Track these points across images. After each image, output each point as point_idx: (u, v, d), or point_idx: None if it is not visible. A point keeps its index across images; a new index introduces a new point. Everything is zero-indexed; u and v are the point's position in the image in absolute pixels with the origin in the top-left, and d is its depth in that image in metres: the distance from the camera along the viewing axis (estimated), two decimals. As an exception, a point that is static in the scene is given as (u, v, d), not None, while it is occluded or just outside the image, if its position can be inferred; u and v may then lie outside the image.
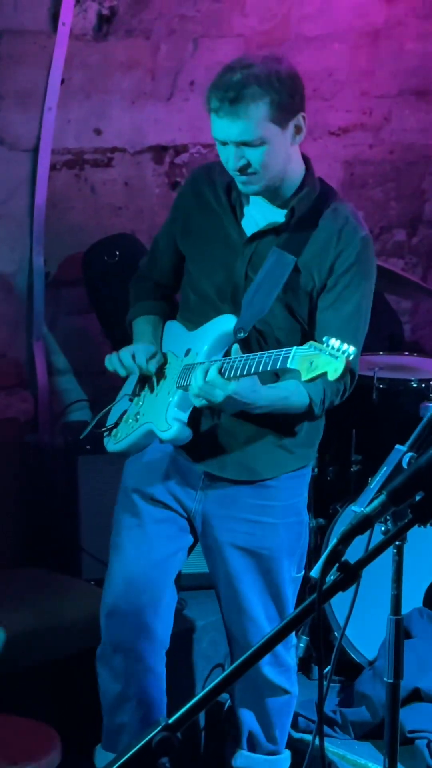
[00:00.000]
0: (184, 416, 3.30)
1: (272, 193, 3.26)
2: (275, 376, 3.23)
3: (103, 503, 4.36)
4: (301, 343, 3.02)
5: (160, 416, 3.34)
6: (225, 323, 3.28)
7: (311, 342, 2.91)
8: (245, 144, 3.13)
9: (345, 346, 2.81)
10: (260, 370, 3.03)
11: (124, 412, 3.51)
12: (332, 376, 2.82)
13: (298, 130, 3.19)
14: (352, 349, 2.80)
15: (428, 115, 5.68)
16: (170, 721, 1.89)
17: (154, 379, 3.42)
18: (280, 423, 3.32)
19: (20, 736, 3.29)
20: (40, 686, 3.91)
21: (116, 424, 3.51)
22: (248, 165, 3.16)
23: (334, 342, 2.83)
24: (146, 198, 4.87)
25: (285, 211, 3.26)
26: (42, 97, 4.49)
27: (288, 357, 2.93)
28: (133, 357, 3.38)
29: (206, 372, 3.08)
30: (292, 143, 3.20)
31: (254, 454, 3.35)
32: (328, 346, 2.84)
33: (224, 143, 3.16)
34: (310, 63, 5.18)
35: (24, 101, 4.48)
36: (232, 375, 3.08)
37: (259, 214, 3.30)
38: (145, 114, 4.82)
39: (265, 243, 3.27)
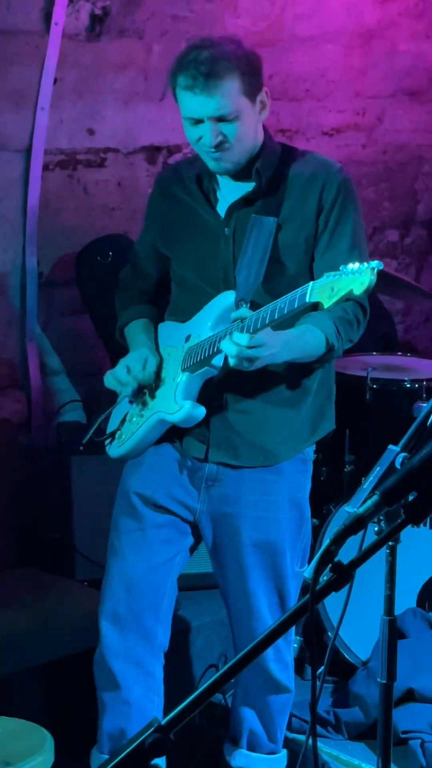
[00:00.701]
0: (194, 394, 3.30)
1: (241, 169, 3.28)
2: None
3: (97, 504, 4.36)
4: None
5: (169, 401, 3.33)
6: (223, 299, 3.28)
7: (327, 272, 2.90)
8: (221, 119, 3.18)
9: (366, 263, 2.81)
10: (278, 317, 3.01)
11: (126, 414, 3.50)
12: (359, 290, 2.81)
13: (263, 105, 3.26)
14: (375, 262, 2.80)
15: (421, 115, 5.69)
16: (163, 722, 1.88)
17: (155, 378, 3.41)
18: (289, 400, 3.33)
19: (13, 737, 3.28)
20: (33, 687, 3.91)
21: (118, 428, 3.50)
22: (224, 140, 3.20)
23: (353, 265, 2.83)
24: (139, 198, 4.86)
25: (253, 180, 3.29)
26: (35, 97, 4.49)
27: (306, 292, 2.93)
28: (128, 370, 3.39)
29: (234, 339, 3.04)
30: (259, 119, 3.26)
31: (266, 433, 3.35)
32: (346, 269, 2.84)
33: (199, 121, 3.20)
34: (303, 63, 5.19)
35: (17, 101, 4.48)
36: (252, 331, 3.06)
37: (230, 193, 3.33)
38: (138, 114, 4.82)
39: (243, 217, 3.29)
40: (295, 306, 2.98)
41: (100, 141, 4.76)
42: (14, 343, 4.69)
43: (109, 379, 3.44)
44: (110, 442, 3.52)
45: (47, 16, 4.42)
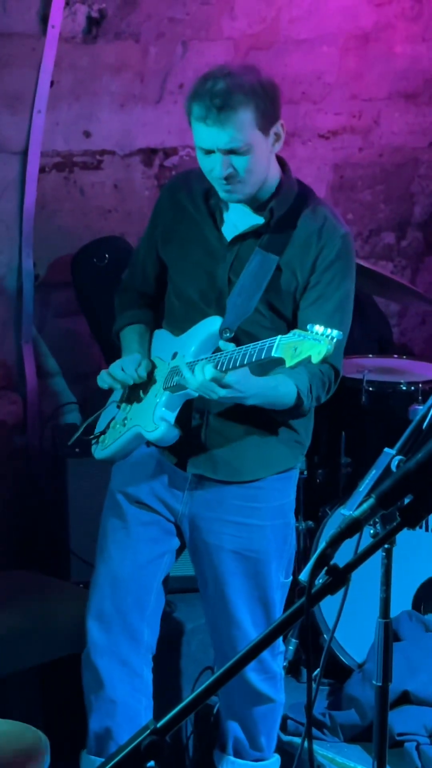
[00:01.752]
0: (172, 416, 3.32)
1: (252, 199, 3.27)
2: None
3: (92, 506, 4.35)
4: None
5: (147, 418, 3.35)
6: (211, 325, 3.30)
7: (295, 330, 2.95)
8: (232, 151, 3.15)
9: (329, 330, 2.87)
10: (246, 362, 3.05)
11: (112, 419, 3.51)
12: (316, 359, 2.87)
13: (277, 137, 3.23)
14: (335, 332, 2.86)
15: (417, 117, 5.69)
16: (158, 725, 1.88)
17: (143, 385, 3.42)
18: (270, 422, 3.33)
19: (8, 738, 3.28)
20: (29, 689, 3.91)
21: (103, 432, 3.51)
22: (234, 173, 3.17)
23: (318, 328, 2.88)
24: (135, 201, 4.87)
25: (264, 215, 3.28)
26: (31, 100, 4.48)
27: (273, 346, 2.96)
28: (122, 369, 3.39)
29: (203, 369, 3.09)
30: (272, 150, 3.24)
31: (244, 455, 3.35)
32: (312, 332, 2.89)
33: (210, 151, 3.17)
34: (299, 66, 5.19)
35: (13, 103, 4.48)
36: (223, 369, 3.10)
37: (239, 219, 3.32)
38: (135, 116, 4.82)
39: (246, 246, 3.29)
40: (262, 357, 3.00)
41: (96, 143, 4.76)
42: (10, 344, 4.69)
43: (103, 377, 3.44)
44: (95, 443, 3.53)
45: (44, 19, 4.42)
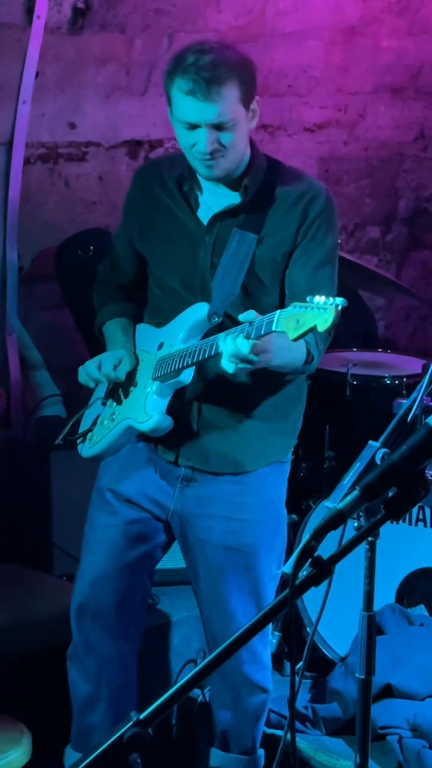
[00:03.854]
0: (163, 405, 3.30)
1: (227, 177, 3.27)
2: None
3: (76, 499, 4.35)
4: None
5: (138, 409, 3.33)
6: (197, 311, 3.28)
7: (294, 303, 2.89)
8: (218, 126, 3.14)
9: (331, 298, 2.80)
10: (255, 336, 2.99)
11: (98, 416, 3.49)
12: (322, 327, 2.80)
13: (254, 113, 3.23)
14: (339, 299, 2.80)
15: (403, 112, 5.69)
16: (141, 716, 1.88)
17: (129, 380, 3.40)
18: (262, 413, 3.33)
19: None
20: (11, 682, 3.90)
21: (90, 429, 3.49)
22: (219, 147, 3.17)
23: (319, 298, 2.82)
24: (120, 193, 4.81)
25: (239, 193, 3.27)
26: (16, 91, 4.47)
27: (272, 321, 2.91)
28: (99, 366, 3.37)
29: (239, 344, 3.00)
30: (249, 127, 3.24)
31: (237, 446, 3.35)
32: (312, 302, 2.83)
33: (195, 126, 3.15)
34: (285, 59, 5.18)
35: (-2, 94, 4.47)
36: (255, 336, 3.03)
37: (214, 201, 3.30)
38: (120, 108, 4.81)
39: (225, 227, 3.28)
40: (262, 332, 2.96)
41: (81, 135, 4.74)
42: (-6, 337, 4.68)
43: (82, 374, 3.43)
44: (81, 442, 3.51)
45: (29, 9, 4.40)
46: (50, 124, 4.65)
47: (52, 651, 3.78)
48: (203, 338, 3.24)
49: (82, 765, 1.81)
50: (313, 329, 2.82)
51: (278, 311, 2.91)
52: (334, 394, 4.33)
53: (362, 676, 2.42)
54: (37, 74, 4.50)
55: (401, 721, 3.79)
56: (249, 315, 3.01)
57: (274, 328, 2.91)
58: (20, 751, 3.19)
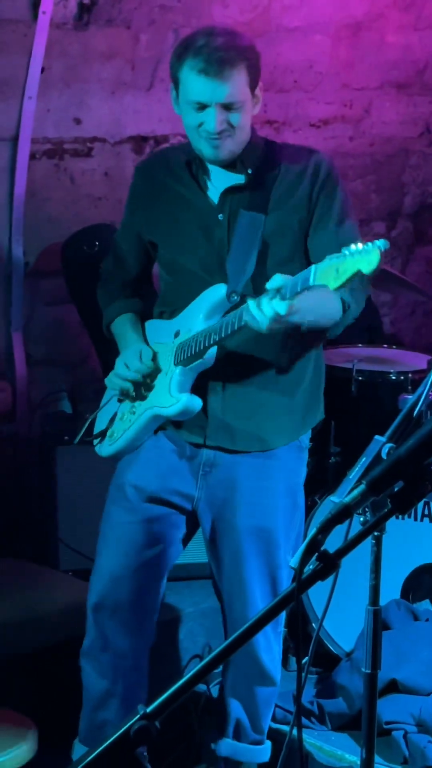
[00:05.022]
0: (188, 388, 3.30)
1: (231, 159, 3.30)
2: None
3: (81, 494, 4.36)
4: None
5: (163, 395, 3.33)
6: (214, 292, 3.28)
7: (329, 255, 2.83)
8: (228, 106, 3.19)
9: (371, 243, 2.75)
10: (290, 295, 2.96)
11: (114, 414, 3.49)
12: (368, 269, 2.74)
13: (257, 99, 3.28)
14: (380, 241, 2.74)
15: (408, 107, 5.69)
16: (148, 709, 1.88)
17: (148, 373, 3.40)
18: (284, 387, 3.35)
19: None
20: (17, 677, 3.91)
21: (107, 429, 3.49)
22: (227, 127, 3.21)
23: (355, 245, 2.76)
24: (126, 188, 4.79)
25: (241, 172, 3.31)
26: (22, 86, 4.47)
27: (308, 276, 2.87)
28: (127, 366, 3.38)
29: (274, 306, 2.98)
30: (253, 111, 3.28)
31: (261, 422, 3.36)
32: (349, 250, 2.77)
33: (204, 106, 3.19)
34: (290, 54, 5.18)
35: (3, 90, 4.46)
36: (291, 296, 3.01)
37: (221, 182, 3.33)
38: (125, 104, 4.81)
39: (236, 205, 3.31)
40: (298, 290, 2.93)
41: (87, 130, 4.75)
42: (-1, 332, 4.68)
43: (112, 380, 3.44)
44: (99, 442, 3.50)
45: (35, 5, 4.41)
46: (56, 119, 4.65)
47: (57, 646, 3.79)
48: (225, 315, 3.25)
49: (90, 757, 1.82)
50: (356, 274, 2.75)
51: (313, 266, 2.88)
52: (340, 390, 4.33)
53: (368, 671, 2.42)
54: (42, 70, 4.50)
55: (407, 716, 3.79)
56: (276, 280, 2.98)
57: (312, 283, 2.86)
58: (26, 746, 3.19)
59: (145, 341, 3.47)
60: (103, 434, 3.50)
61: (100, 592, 3.44)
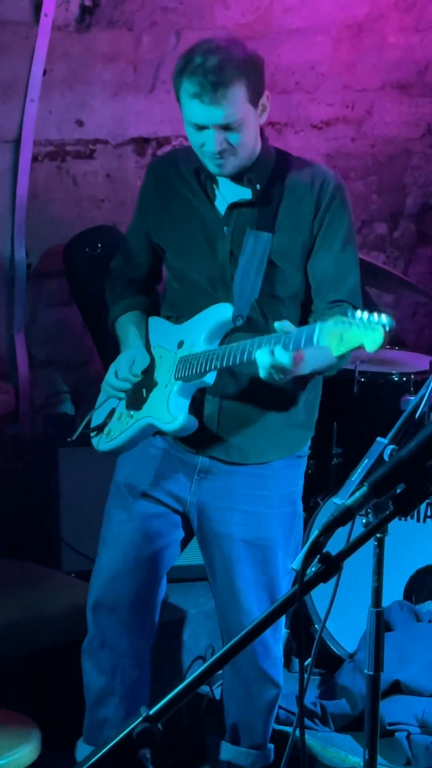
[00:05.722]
0: (186, 405, 3.30)
1: (238, 172, 3.28)
2: None
3: (84, 495, 4.36)
4: (302, 308, 3.19)
5: (161, 409, 3.33)
6: (220, 312, 3.28)
7: (336, 317, 2.81)
8: (226, 127, 3.15)
9: (376, 315, 2.72)
10: (293, 348, 2.96)
11: (113, 410, 3.49)
12: (371, 347, 2.72)
13: (263, 108, 3.24)
14: (385, 318, 2.71)
15: (410, 108, 5.69)
16: (151, 712, 1.88)
17: (147, 377, 3.40)
18: (281, 404, 3.34)
19: (-1, 727, 3.28)
20: (20, 678, 3.91)
21: (105, 423, 3.50)
22: (228, 147, 3.18)
23: (361, 313, 2.73)
24: (128, 190, 4.86)
25: (249, 187, 3.29)
26: (24, 88, 4.47)
27: (312, 334, 2.85)
28: (116, 375, 3.38)
29: (279, 355, 2.98)
30: (259, 122, 3.25)
31: (257, 437, 3.35)
32: (355, 318, 2.74)
33: (203, 127, 3.17)
34: (292, 56, 5.18)
35: (6, 92, 4.47)
36: (293, 348, 3.01)
37: (230, 194, 3.32)
38: (127, 106, 4.81)
39: (242, 219, 3.29)
40: (302, 345, 2.92)
41: (89, 132, 4.75)
42: (2, 334, 4.68)
43: (106, 389, 3.44)
44: (96, 435, 3.52)
45: (37, 7, 4.41)
46: (58, 121, 4.65)
47: (60, 647, 3.79)
48: (224, 338, 3.26)
49: (93, 760, 1.82)
50: (359, 348, 2.74)
51: (318, 324, 2.85)
52: (342, 391, 4.33)
53: (370, 673, 2.42)
54: (44, 72, 4.50)
55: (410, 717, 3.79)
56: (285, 325, 2.98)
57: (315, 343, 2.85)
58: (29, 747, 3.19)
59: (147, 340, 3.47)
60: (100, 428, 3.51)
61: (100, 591, 3.44)
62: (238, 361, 3.13)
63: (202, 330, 3.29)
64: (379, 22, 5.42)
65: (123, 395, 3.42)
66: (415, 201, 5.88)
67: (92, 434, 3.53)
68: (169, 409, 3.30)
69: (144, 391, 3.41)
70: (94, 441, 3.53)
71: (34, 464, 4.70)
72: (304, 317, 3.34)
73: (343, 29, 5.33)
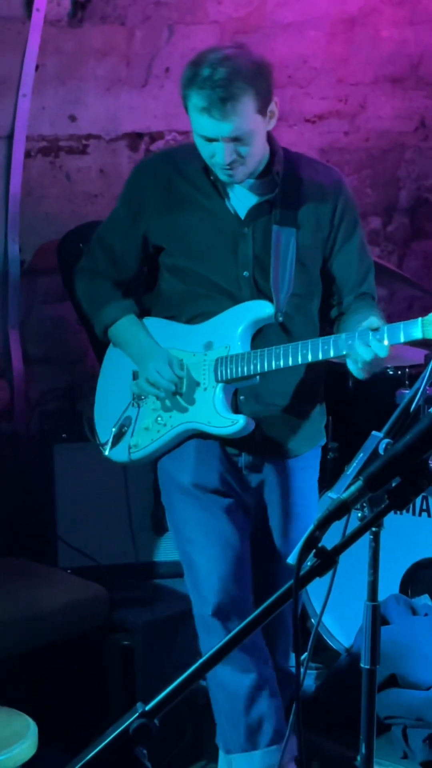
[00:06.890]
0: (230, 403, 3.32)
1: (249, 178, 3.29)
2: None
3: (80, 491, 4.36)
4: (324, 299, 3.32)
5: (208, 413, 3.31)
6: (257, 310, 3.29)
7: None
8: (236, 139, 3.15)
9: None
10: (390, 342, 3.11)
11: (127, 417, 3.46)
12: None
13: (272, 115, 3.23)
14: None
15: (404, 102, 5.69)
16: (147, 707, 1.88)
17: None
18: (309, 395, 3.44)
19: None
20: (16, 675, 3.91)
21: (121, 433, 3.46)
22: (237, 158, 3.18)
23: None
24: (121, 185, 4.82)
25: (268, 184, 3.30)
26: (16, 84, 4.46)
27: (416, 329, 3.04)
28: (158, 373, 3.34)
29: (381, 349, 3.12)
30: (267, 128, 3.25)
31: (295, 432, 3.42)
32: None
33: (212, 140, 3.16)
34: (285, 50, 5.18)
35: (-2, 87, 4.46)
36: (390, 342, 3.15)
37: (245, 194, 3.31)
38: (121, 101, 4.80)
39: (264, 219, 3.30)
40: (401, 341, 3.08)
41: (82, 128, 4.74)
42: (-4, 330, 4.68)
43: (142, 387, 3.38)
44: (111, 447, 3.47)
45: (29, 2, 4.40)
46: (51, 117, 4.65)
47: (57, 644, 3.79)
48: (255, 336, 3.28)
49: (89, 756, 1.81)
50: None
51: (420, 319, 3.02)
52: (337, 385, 4.33)
53: (367, 666, 2.42)
54: (37, 67, 4.49)
55: (406, 710, 3.79)
56: (373, 322, 3.13)
57: (421, 336, 3.03)
58: (26, 744, 3.19)
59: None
60: (116, 440, 3.47)
61: (214, 597, 3.37)
62: (310, 359, 3.19)
63: (236, 326, 3.29)
64: (373, 16, 5.41)
65: (163, 395, 3.37)
66: (409, 195, 5.88)
67: (106, 447, 3.48)
68: (220, 412, 3.30)
69: (177, 394, 3.38)
70: (111, 453, 3.48)
71: (29, 461, 4.69)
72: (322, 312, 3.43)
73: (336, 23, 5.32)
